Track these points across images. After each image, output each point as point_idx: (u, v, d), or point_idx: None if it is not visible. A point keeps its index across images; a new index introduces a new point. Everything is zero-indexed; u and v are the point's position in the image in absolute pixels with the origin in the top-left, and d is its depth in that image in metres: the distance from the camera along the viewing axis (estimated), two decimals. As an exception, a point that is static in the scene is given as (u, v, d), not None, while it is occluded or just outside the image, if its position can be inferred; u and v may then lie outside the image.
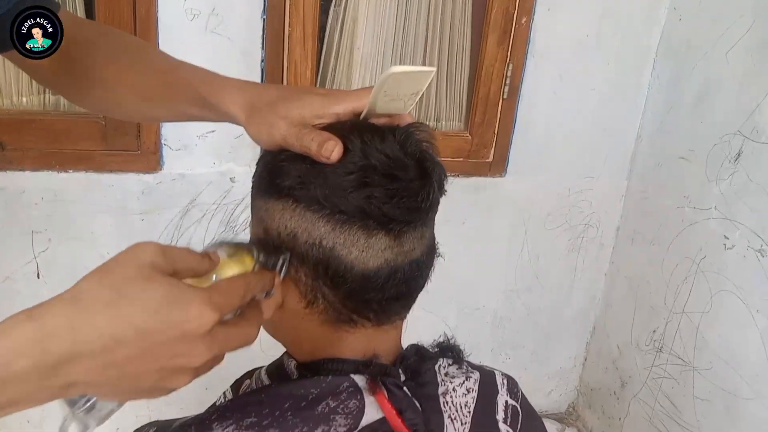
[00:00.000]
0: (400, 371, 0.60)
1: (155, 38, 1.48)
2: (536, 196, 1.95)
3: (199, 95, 0.65)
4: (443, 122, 1.87)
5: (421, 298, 0.62)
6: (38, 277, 1.60)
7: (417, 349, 0.63)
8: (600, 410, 2.17)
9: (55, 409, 0.45)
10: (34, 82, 1.51)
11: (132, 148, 1.56)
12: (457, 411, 0.62)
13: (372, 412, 0.56)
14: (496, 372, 0.69)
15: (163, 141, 1.58)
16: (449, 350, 0.66)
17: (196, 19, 1.50)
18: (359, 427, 0.55)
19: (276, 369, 0.64)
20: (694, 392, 1.74)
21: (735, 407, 1.61)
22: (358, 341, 0.59)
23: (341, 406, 0.55)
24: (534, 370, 2.18)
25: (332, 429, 0.54)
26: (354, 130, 0.54)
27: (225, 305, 0.46)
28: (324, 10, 1.65)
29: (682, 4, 1.80)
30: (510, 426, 0.65)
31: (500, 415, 0.65)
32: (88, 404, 0.47)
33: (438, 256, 0.61)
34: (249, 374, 0.68)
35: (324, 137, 0.53)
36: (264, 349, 0.68)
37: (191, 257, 0.48)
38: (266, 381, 0.64)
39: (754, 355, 1.55)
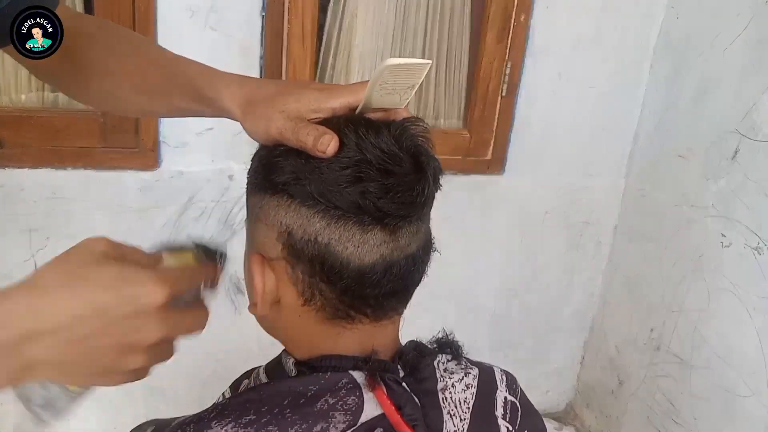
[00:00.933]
0: (399, 367, 0.60)
1: (154, 34, 1.48)
2: (534, 194, 1.95)
3: (196, 89, 0.64)
4: (442, 120, 1.87)
5: (418, 296, 0.61)
6: (36, 275, 1.59)
7: (416, 345, 0.63)
8: (598, 409, 2.17)
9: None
10: (32, 78, 1.51)
11: (131, 145, 1.56)
12: (456, 407, 0.62)
13: (371, 408, 0.56)
14: (495, 368, 0.69)
15: (161, 138, 1.57)
16: (448, 346, 0.66)
17: (195, 15, 1.50)
18: (358, 424, 0.55)
19: (274, 367, 0.64)
20: (691, 390, 1.74)
21: (732, 405, 1.61)
22: (355, 337, 0.59)
23: (340, 403, 0.55)
24: (532, 369, 2.17)
25: (331, 426, 0.54)
26: (349, 124, 0.54)
27: (175, 284, 0.48)
28: (323, 7, 1.65)
29: (680, 2, 1.80)
30: (509, 422, 0.65)
31: (499, 411, 0.65)
32: (43, 398, 0.49)
33: (434, 251, 0.61)
34: (247, 374, 0.68)
35: (320, 131, 0.53)
36: (262, 348, 0.69)
37: (139, 253, 0.52)
38: (264, 380, 0.64)
39: (751, 353, 1.56)
